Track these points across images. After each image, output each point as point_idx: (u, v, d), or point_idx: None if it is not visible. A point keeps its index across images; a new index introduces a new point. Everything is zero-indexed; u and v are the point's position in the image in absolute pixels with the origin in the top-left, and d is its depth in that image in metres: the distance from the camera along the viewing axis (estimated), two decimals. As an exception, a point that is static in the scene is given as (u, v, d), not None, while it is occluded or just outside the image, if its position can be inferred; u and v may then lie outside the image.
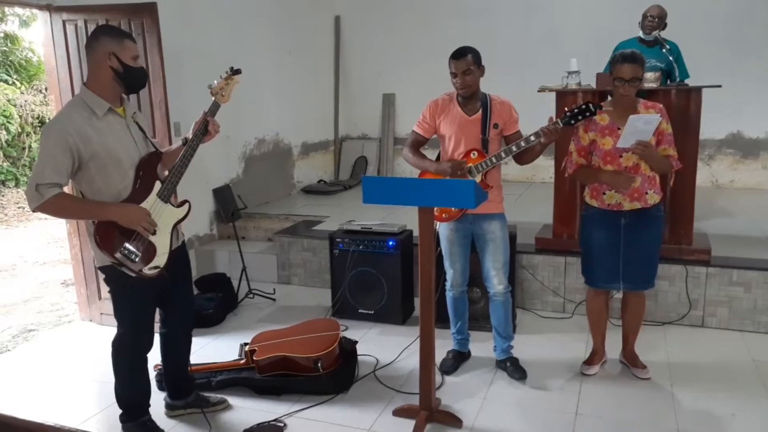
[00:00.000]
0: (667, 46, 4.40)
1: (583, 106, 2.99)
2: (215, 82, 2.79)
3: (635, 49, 3.18)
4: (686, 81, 4.43)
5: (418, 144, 3.37)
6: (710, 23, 6.31)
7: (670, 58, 4.38)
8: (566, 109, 3.07)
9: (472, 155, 3.19)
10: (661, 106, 3.12)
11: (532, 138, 3.05)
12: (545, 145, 3.08)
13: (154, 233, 2.60)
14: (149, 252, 2.60)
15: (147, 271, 2.59)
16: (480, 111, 3.20)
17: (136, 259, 2.56)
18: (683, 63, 4.62)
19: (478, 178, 3.16)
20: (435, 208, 3.22)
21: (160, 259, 2.64)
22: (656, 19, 4.58)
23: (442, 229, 3.34)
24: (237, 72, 2.82)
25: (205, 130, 2.73)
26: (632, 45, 4.77)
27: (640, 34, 4.73)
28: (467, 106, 3.23)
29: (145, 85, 2.81)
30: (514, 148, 3.10)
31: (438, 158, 3.37)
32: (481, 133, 3.19)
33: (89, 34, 2.70)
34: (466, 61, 3.10)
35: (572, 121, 3.01)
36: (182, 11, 4.97)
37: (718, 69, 5.55)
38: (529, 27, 6.96)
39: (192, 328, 3.11)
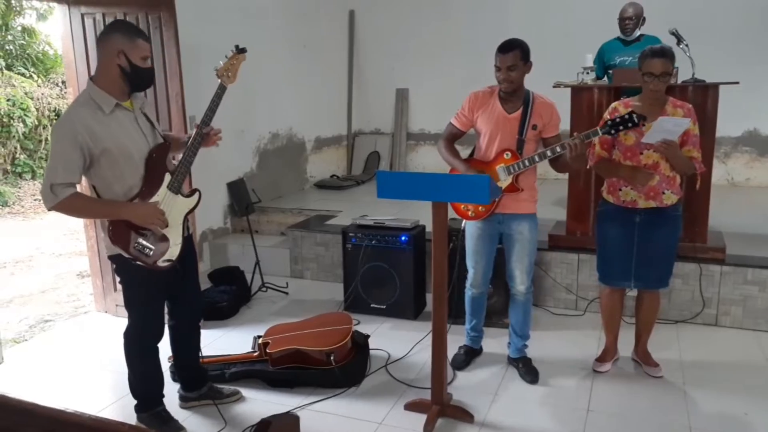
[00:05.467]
0: (685, 41, 4.35)
1: (626, 116, 2.86)
2: (221, 63, 2.75)
3: (658, 45, 3.11)
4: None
5: (453, 137, 3.26)
6: (728, 19, 6.24)
7: None
8: (608, 117, 2.98)
9: (505, 155, 3.10)
10: (690, 106, 3.04)
11: (558, 149, 2.98)
12: (575, 159, 2.91)
13: (167, 225, 2.65)
14: (163, 245, 2.65)
15: (161, 263, 2.65)
16: (520, 109, 3.09)
17: (150, 253, 2.61)
18: None
19: (508, 181, 3.09)
20: (462, 205, 3.21)
21: (173, 251, 2.68)
22: (633, 20, 4.73)
23: (469, 227, 3.28)
24: (242, 51, 2.76)
25: (200, 138, 2.72)
26: (614, 44, 4.82)
27: (620, 35, 4.80)
28: (508, 102, 3.10)
29: (151, 85, 2.81)
30: (548, 153, 3.01)
31: (472, 154, 3.28)
32: (518, 133, 3.08)
33: (103, 28, 2.71)
34: (513, 55, 2.99)
35: (613, 131, 2.90)
36: (199, 5, 4.99)
37: (735, 65, 5.48)
38: (544, 22, 6.90)
39: (199, 320, 3.14)
